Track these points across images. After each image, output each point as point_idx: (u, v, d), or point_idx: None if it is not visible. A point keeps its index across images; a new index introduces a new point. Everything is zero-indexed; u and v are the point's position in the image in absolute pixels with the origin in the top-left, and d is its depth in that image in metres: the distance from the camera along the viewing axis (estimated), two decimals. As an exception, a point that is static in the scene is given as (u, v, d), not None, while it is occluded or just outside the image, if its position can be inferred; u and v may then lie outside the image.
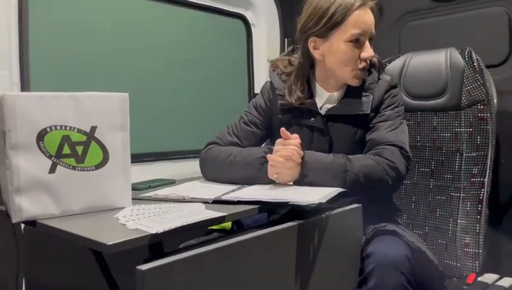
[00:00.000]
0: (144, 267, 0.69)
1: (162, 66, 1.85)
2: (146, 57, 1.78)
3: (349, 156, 1.15)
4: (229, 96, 2.11)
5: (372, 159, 1.15)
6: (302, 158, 1.12)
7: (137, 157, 1.67)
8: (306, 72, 1.31)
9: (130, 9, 1.73)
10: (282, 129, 1.14)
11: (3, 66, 1.39)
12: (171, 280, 0.72)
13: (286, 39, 2.23)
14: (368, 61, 1.24)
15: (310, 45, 1.25)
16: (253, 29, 2.19)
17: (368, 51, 1.20)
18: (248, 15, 2.17)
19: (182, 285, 0.74)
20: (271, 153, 1.15)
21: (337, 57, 1.22)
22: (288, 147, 1.12)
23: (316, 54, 1.26)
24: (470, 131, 1.40)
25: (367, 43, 1.21)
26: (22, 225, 1.22)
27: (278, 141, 1.15)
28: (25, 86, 1.44)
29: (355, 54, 1.20)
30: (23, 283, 1.35)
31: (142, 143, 1.72)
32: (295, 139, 1.14)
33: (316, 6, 1.21)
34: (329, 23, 1.19)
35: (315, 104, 1.29)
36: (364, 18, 1.19)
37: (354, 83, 1.25)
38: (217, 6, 2.04)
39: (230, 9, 2.10)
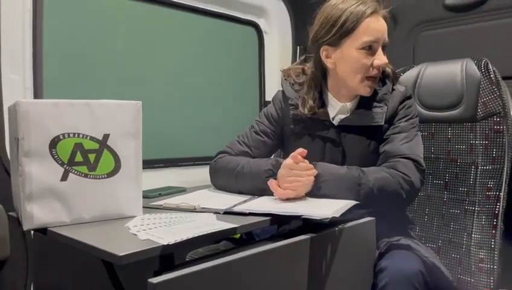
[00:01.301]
0: (155, 280, 0.68)
1: (175, 73, 1.85)
2: (159, 64, 1.79)
3: (363, 169, 1.13)
4: (240, 104, 2.11)
5: (386, 172, 1.13)
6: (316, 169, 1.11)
7: (148, 164, 1.67)
8: (319, 82, 1.30)
9: (143, 16, 1.74)
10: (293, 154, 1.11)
11: (16, 71, 1.40)
12: (182, 292, 0.71)
13: (298, 47, 2.22)
14: (380, 70, 1.22)
15: (322, 54, 1.24)
16: (265, 36, 2.19)
17: (380, 58, 1.19)
18: (261, 22, 2.17)
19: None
20: (278, 166, 1.14)
21: (349, 65, 1.21)
22: (303, 172, 1.10)
23: (328, 62, 1.25)
24: (485, 143, 1.37)
25: (379, 51, 1.19)
26: (32, 231, 1.22)
27: (287, 165, 1.11)
28: (38, 91, 1.45)
29: (368, 61, 1.19)
30: (32, 287, 1.36)
31: (153, 149, 1.72)
32: (302, 153, 1.10)
33: (328, 15, 1.20)
34: (341, 31, 1.18)
35: (328, 114, 1.27)
36: (376, 25, 1.17)
37: (366, 92, 1.23)
38: (229, 13, 2.04)
39: (243, 17, 2.11)
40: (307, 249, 0.92)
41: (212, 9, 1.96)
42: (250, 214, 1.00)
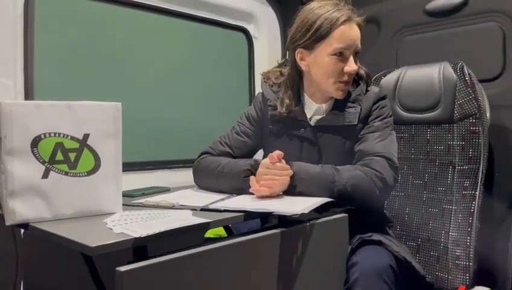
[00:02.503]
0: (123, 268, 0.72)
1: (165, 78, 1.89)
2: (149, 69, 1.83)
3: (337, 167, 1.17)
4: (230, 108, 2.15)
5: (360, 170, 1.17)
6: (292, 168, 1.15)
7: (136, 166, 1.72)
8: (295, 83, 1.34)
9: (134, 21, 1.78)
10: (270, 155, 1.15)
11: (8, 76, 1.44)
12: (150, 281, 0.75)
13: (287, 52, 2.26)
14: (352, 75, 1.26)
15: (297, 56, 1.29)
16: (254, 41, 2.23)
17: (350, 65, 1.23)
18: (250, 28, 2.22)
19: (161, 287, 0.77)
20: (257, 167, 1.18)
21: (321, 69, 1.25)
22: (277, 171, 1.13)
23: (302, 65, 1.29)
24: (462, 144, 1.41)
25: (351, 58, 1.23)
26: (22, 231, 1.26)
27: (265, 164, 1.16)
28: (29, 94, 1.49)
29: (338, 67, 1.23)
30: (22, 285, 1.39)
31: (142, 152, 1.76)
32: (279, 156, 1.14)
33: (304, 19, 1.24)
34: (315, 36, 1.22)
35: (304, 114, 1.31)
36: (349, 33, 1.21)
37: (338, 95, 1.27)
38: (219, 19, 2.09)
39: (233, 23, 2.15)
40: (277, 243, 0.96)
41: (203, 16, 2.01)
42: (225, 210, 1.04)
